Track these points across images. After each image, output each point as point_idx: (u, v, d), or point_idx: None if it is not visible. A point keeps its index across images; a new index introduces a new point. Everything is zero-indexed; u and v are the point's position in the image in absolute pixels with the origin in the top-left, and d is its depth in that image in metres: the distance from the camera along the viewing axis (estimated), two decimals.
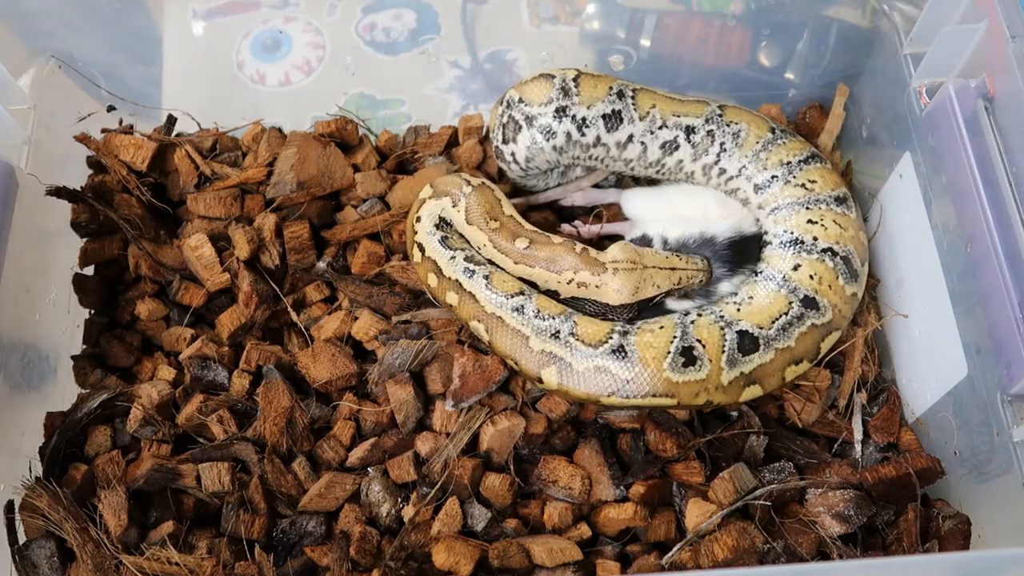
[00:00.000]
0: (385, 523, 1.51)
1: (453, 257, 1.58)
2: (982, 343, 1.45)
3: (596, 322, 1.52)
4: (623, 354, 1.47)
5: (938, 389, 1.57)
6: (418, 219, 1.63)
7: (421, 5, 1.90)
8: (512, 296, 1.53)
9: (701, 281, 1.60)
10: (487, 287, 1.54)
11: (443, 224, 1.63)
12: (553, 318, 1.51)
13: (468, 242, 1.63)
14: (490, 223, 1.59)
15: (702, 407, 1.52)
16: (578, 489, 1.49)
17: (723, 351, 1.49)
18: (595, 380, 1.47)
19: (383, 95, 1.99)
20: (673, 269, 1.59)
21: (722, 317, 1.55)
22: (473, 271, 1.56)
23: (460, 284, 1.55)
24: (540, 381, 1.51)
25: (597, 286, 1.56)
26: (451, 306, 1.57)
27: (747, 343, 1.51)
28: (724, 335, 1.51)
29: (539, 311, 1.52)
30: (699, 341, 1.49)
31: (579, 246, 1.58)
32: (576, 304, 1.58)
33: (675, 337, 1.49)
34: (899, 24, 1.69)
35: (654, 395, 1.47)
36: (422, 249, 1.61)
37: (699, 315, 1.56)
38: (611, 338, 1.49)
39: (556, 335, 1.50)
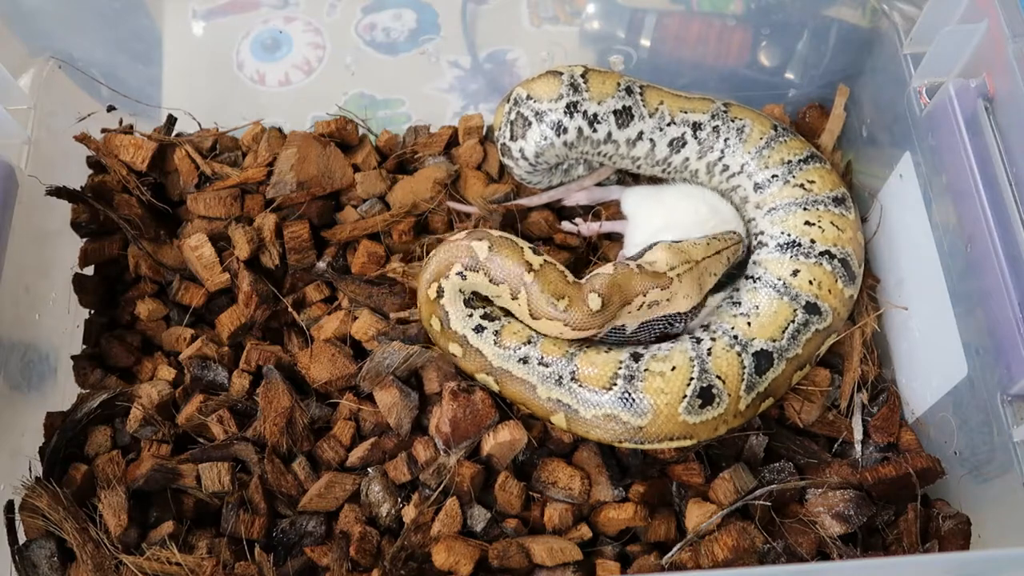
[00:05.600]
0: (385, 523, 1.51)
1: (470, 315, 1.52)
2: (982, 343, 1.45)
3: (598, 363, 1.47)
4: (631, 401, 1.43)
5: (938, 389, 1.57)
6: (462, 276, 1.50)
7: (421, 5, 1.90)
8: (519, 347, 1.49)
9: (743, 251, 1.59)
10: (495, 343, 1.50)
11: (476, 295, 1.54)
12: (556, 362, 1.48)
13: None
14: (559, 303, 1.46)
15: (722, 436, 1.50)
16: (578, 489, 1.49)
17: (742, 380, 1.47)
18: (605, 426, 1.45)
19: (383, 95, 1.99)
20: (719, 252, 1.57)
21: (736, 338, 1.51)
22: (484, 327, 1.51)
23: (466, 339, 1.51)
24: (551, 423, 1.51)
25: (668, 299, 1.51)
26: (453, 355, 1.53)
27: (763, 363, 1.49)
28: (743, 362, 1.48)
29: (542, 357, 1.48)
30: (719, 377, 1.46)
31: (632, 264, 1.51)
32: (643, 330, 1.54)
33: (692, 378, 1.45)
34: (899, 24, 1.69)
35: (671, 439, 1.45)
36: (440, 293, 1.52)
37: (713, 340, 1.52)
38: (615, 383, 1.44)
39: (559, 381, 1.46)
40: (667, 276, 1.51)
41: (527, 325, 1.53)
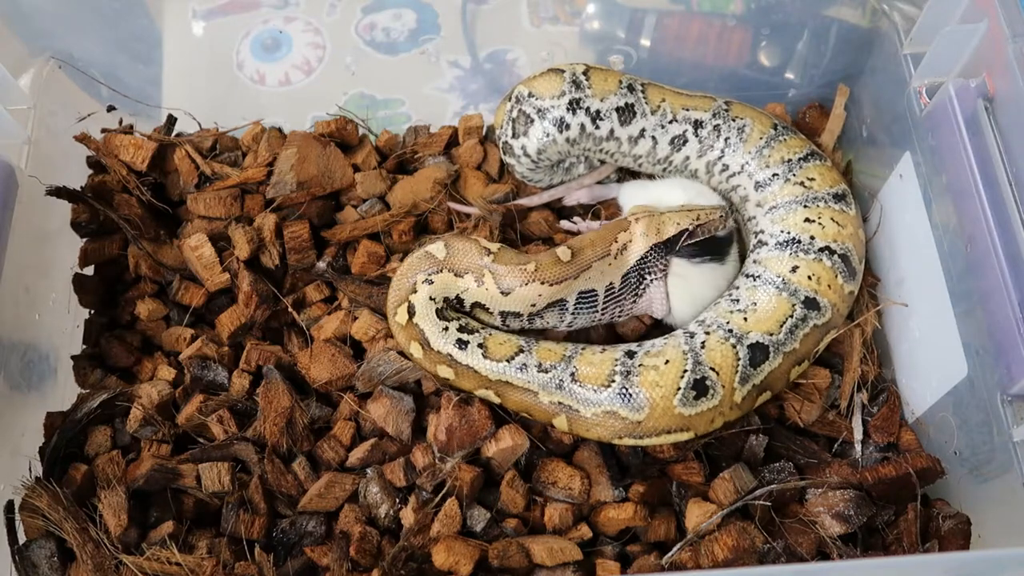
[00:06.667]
0: (384, 524, 1.51)
1: (446, 328, 1.51)
2: (982, 343, 1.45)
3: (595, 362, 1.48)
4: (629, 396, 1.45)
5: (938, 389, 1.57)
6: (429, 281, 1.52)
7: (421, 5, 1.90)
8: (513, 358, 1.49)
9: (722, 218, 1.62)
10: (484, 357, 1.49)
11: (451, 300, 1.55)
12: (555, 367, 1.48)
13: (511, 314, 1.56)
14: (528, 267, 1.52)
15: (720, 430, 1.50)
16: (578, 489, 1.49)
17: (736, 371, 1.48)
18: (606, 424, 1.46)
19: (383, 95, 1.99)
20: (690, 210, 1.61)
21: (731, 332, 1.52)
22: (467, 342, 1.50)
23: (453, 357, 1.50)
24: (553, 426, 1.51)
25: (631, 240, 1.57)
26: (446, 379, 1.52)
27: (758, 355, 1.50)
28: (737, 353, 1.49)
29: (540, 364, 1.49)
30: (713, 369, 1.47)
31: (598, 224, 1.63)
32: (626, 284, 1.59)
33: (685, 371, 1.46)
34: (899, 24, 1.69)
35: (668, 432, 1.46)
36: (411, 312, 1.52)
37: (707, 333, 1.53)
38: (614, 380, 1.46)
39: (560, 385, 1.47)
40: (626, 220, 1.61)
41: (498, 314, 1.55)
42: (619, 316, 1.64)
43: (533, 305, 1.54)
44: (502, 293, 1.52)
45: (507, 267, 1.52)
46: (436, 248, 1.55)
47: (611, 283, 1.58)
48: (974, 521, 1.50)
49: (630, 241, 1.58)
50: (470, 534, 1.48)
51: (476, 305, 1.56)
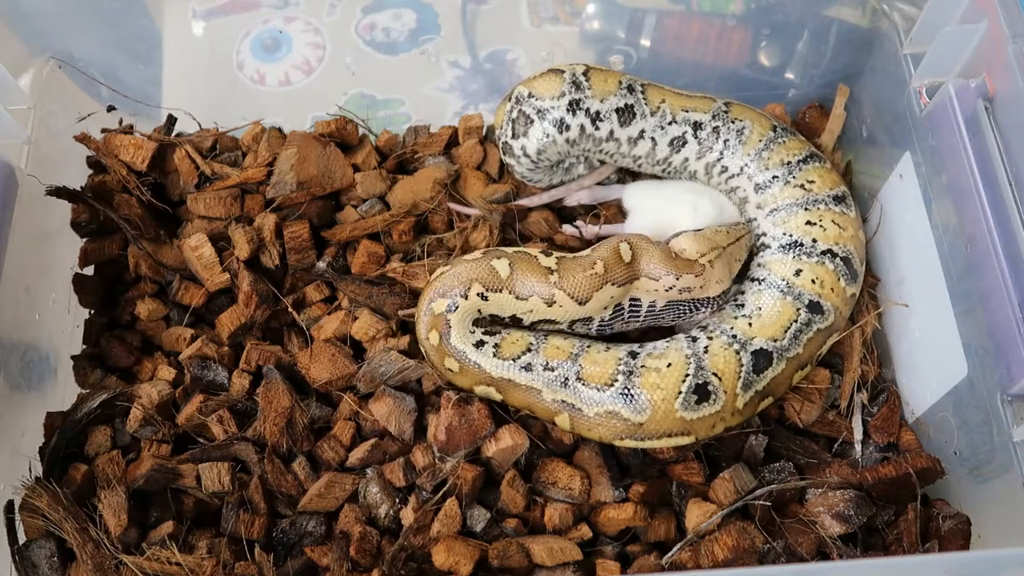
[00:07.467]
0: (384, 524, 1.51)
1: (472, 331, 1.51)
2: (982, 343, 1.45)
3: (600, 361, 1.48)
4: (631, 397, 1.44)
5: (938, 389, 1.57)
6: (484, 297, 1.50)
7: (421, 5, 1.90)
8: (519, 357, 1.49)
9: (752, 239, 1.62)
10: (495, 355, 1.49)
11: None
12: (561, 364, 1.48)
13: (581, 320, 1.53)
14: (596, 267, 1.50)
15: (721, 435, 1.50)
16: (578, 489, 1.49)
17: (739, 377, 1.48)
18: (607, 424, 1.46)
19: (383, 95, 1.99)
20: (739, 239, 1.61)
21: (735, 337, 1.52)
22: (484, 342, 1.50)
23: (465, 354, 1.50)
24: (555, 424, 1.51)
25: (701, 286, 1.54)
26: (449, 370, 1.52)
27: (762, 362, 1.50)
28: (740, 360, 1.49)
29: (547, 362, 1.49)
30: (715, 374, 1.47)
31: (598, 228, 1.57)
32: (670, 309, 1.56)
33: (687, 375, 1.46)
34: (899, 24, 1.69)
35: (669, 435, 1.45)
36: (451, 309, 1.50)
37: (710, 338, 1.52)
38: (616, 379, 1.46)
39: (565, 383, 1.47)
40: (699, 263, 1.54)
41: (571, 322, 1.53)
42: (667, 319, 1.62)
43: (606, 308, 1.53)
44: (580, 304, 1.49)
45: (576, 278, 1.49)
46: (500, 264, 1.51)
47: (667, 302, 1.56)
48: (974, 521, 1.50)
49: (700, 287, 1.54)
50: (470, 534, 1.48)
51: (542, 321, 1.54)
